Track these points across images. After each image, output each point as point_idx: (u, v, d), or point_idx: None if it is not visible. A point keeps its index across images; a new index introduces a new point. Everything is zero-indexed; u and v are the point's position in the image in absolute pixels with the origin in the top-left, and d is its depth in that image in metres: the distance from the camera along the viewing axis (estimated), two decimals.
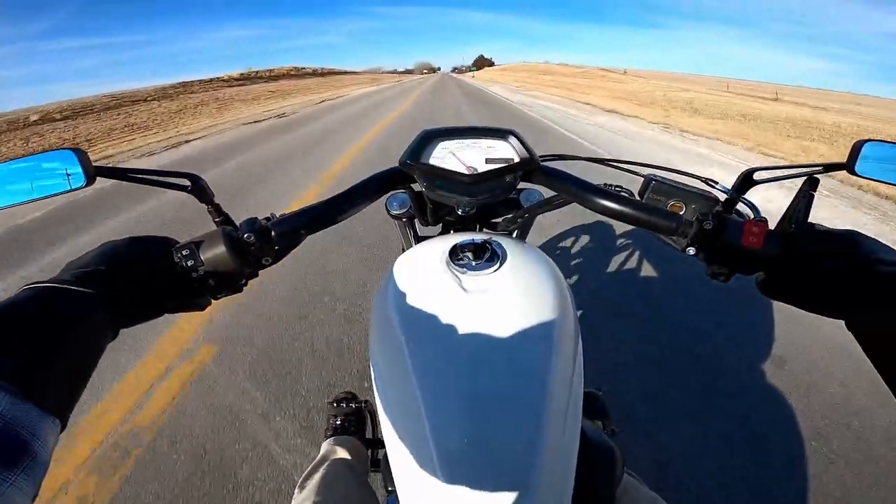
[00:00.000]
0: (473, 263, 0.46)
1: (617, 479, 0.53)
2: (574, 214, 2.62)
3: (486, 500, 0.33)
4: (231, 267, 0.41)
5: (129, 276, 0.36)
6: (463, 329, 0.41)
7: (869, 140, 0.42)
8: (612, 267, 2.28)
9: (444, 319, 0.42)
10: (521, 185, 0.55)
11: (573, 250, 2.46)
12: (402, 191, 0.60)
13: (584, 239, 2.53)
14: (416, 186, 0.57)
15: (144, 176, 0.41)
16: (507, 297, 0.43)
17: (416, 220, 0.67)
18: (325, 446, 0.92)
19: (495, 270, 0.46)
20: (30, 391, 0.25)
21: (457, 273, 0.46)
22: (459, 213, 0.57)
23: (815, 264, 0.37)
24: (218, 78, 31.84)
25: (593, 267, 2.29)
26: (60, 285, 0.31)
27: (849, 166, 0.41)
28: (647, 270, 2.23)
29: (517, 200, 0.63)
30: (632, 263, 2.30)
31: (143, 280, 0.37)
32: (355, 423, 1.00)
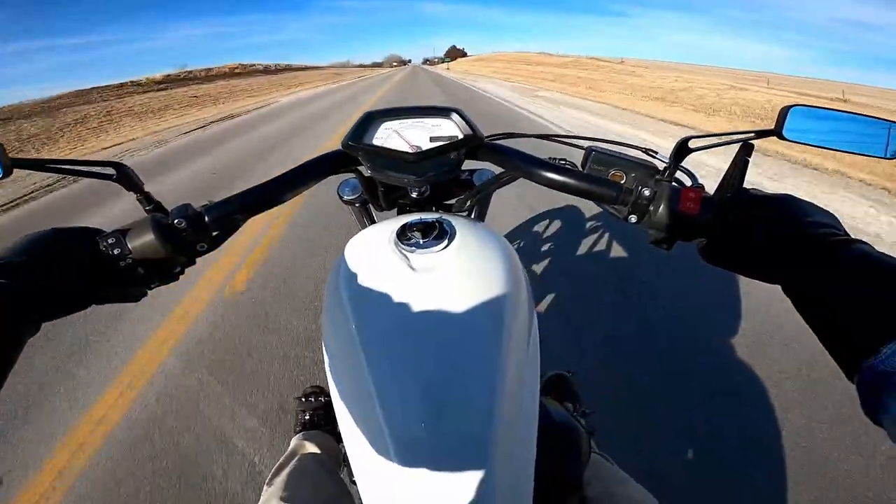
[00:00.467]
0: (421, 241, 0.46)
1: (584, 459, 0.53)
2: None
3: (444, 483, 0.33)
4: (162, 254, 0.41)
5: (49, 267, 0.35)
6: (412, 309, 0.40)
7: (795, 105, 0.42)
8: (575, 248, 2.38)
9: (393, 299, 0.41)
10: (474, 166, 0.56)
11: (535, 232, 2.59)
12: (353, 176, 0.60)
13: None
14: (368, 173, 0.56)
15: (65, 166, 0.40)
16: (457, 275, 0.43)
17: (371, 206, 0.66)
18: (293, 441, 0.90)
19: (444, 248, 0.45)
20: None
21: (405, 252, 0.45)
22: (413, 195, 0.57)
23: (751, 229, 0.38)
24: (133, 82, 24.88)
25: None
26: None
27: (777, 131, 0.42)
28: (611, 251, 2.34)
29: (470, 181, 0.63)
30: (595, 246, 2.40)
31: (64, 271, 0.36)
32: (324, 416, 0.99)
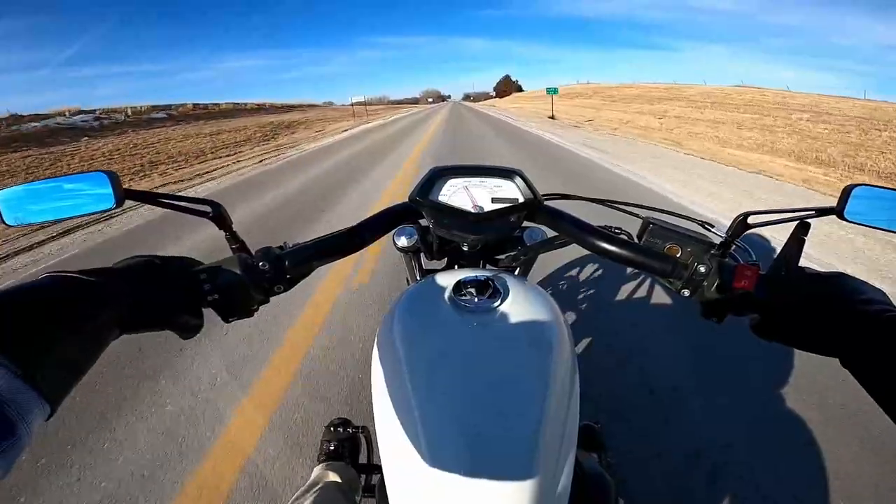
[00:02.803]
0: (476, 300, 0.48)
1: None
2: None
3: None
4: (244, 293, 0.44)
5: (146, 286, 0.38)
6: (463, 364, 0.43)
7: (860, 185, 0.43)
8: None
9: (446, 354, 0.44)
10: (525, 223, 0.58)
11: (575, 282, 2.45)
12: (410, 224, 0.63)
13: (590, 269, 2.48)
14: (424, 221, 0.60)
15: (170, 201, 0.44)
16: (507, 334, 0.46)
17: (423, 255, 0.69)
18: (316, 471, 0.91)
19: (496, 307, 0.48)
20: (29, 373, 0.25)
21: (460, 309, 0.48)
22: (464, 248, 0.60)
23: (805, 307, 0.39)
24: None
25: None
26: (77, 276, 0.33)
27: (838, 211, 0.43)
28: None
29: (520, 238, 0.66)
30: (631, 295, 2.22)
31: (157, 293, 0.39)
32: (349, 448, 1.00)
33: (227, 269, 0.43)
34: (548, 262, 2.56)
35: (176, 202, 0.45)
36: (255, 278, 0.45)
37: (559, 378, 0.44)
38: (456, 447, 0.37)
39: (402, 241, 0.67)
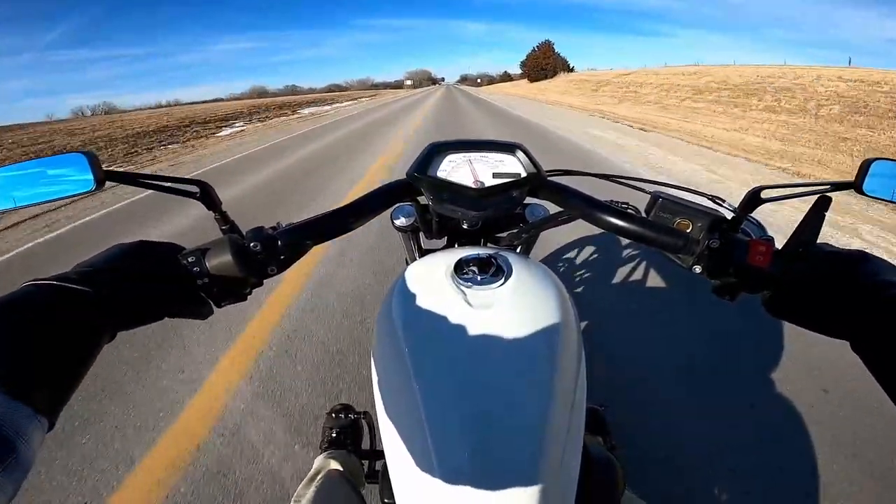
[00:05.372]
0: (479, 278, 0.47)
1: (618, 495, 0.53)
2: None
3: None
4: (236, 275, 0.42)
5: (132, 278, 0.37)
6: (467, 343, 0.42)
7: (877, 158, 0.42)
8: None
9: (449, 333, 0.43)
10: (527, 200, 0.57)
11: (578, 261, 2.44)
12: (409, 203, 0.61)
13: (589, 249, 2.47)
14: (423, 199, 0.58)
15: (154, 182, 0.42)
16: (512, 313, 0.44)
17: (421, 233, 0.68)
18: (319, 460, 0.92)
19: (500, 286, 0.47)
20: (19, 389, 0.25)
21: (462, 288, 0.47)
22: (465, 226, 0.58)
23: (821, 285, 0.37)
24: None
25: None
26: (61, 284, 0.32)
27: (857, 185, 0.41)
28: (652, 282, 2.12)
29: (522, 215, 0.64)
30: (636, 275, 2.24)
31: (146, 284, 0.38)
32: (350, 435, 1.00)
33: (217, 252, 0.42)
34: (547, 244, 2.55)
35: (160, 182, 0.42)
36: (247, 260, 0.43)
37: (566, 360, 0.43)
38: (461, 433, 0.37)
39: (401, 221, 0.66)
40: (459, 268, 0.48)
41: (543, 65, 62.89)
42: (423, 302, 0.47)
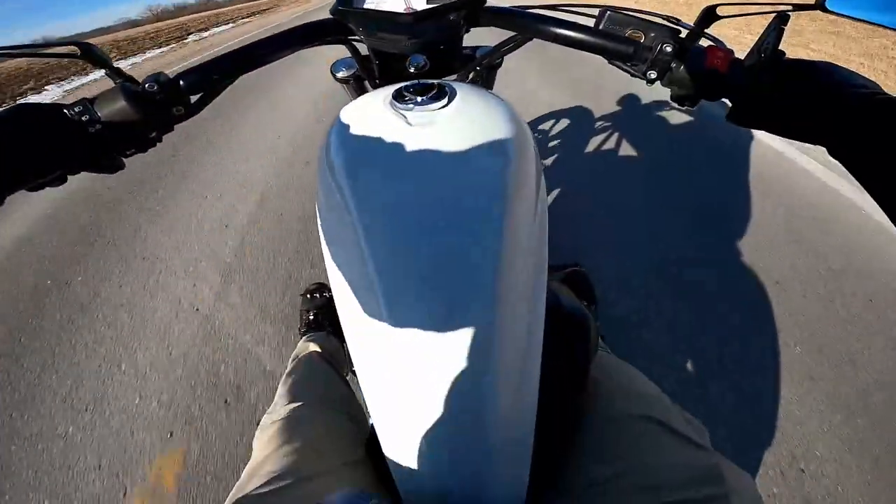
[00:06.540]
0: (419, 100, 0.44)
1: (592, 348, 0.52)
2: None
3: (446, 364, 0.33)
4: (134, 118, 0.40)
5: (13, 137, 0.35)
6: (409, 165, 0.39)
7: None
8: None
9: (389, 157, 0.40)
10: (479, 45, 0.55)
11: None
12: (349, 56, 0.59)
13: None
14: (364, 50, 0.55)
15: (26, 51, 0.40)
16: (457, 130, 0.41)
17: (367, 83, 0.64)
18: (300, 344, 0.96)
19: (443, 107, 0.44)
20: None
21: (402, 112, 0.43)
22: (411, 70, 0.54)
23: (788, 92, 0.37)
24: None
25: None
26: None
27: (820, 4, 0.39)
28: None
29: (472, 56, 0.61)
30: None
31: (30, 140, 0.36)
32: (329, 315, 1.03)
33: (108, 99, 0.40)
34: None
35: (34, 50, 0.40)
36: (144, 103, 0.41)
37: (521, 185, 0.40)
38: (411, 276, 0.35)
39: (342, 72, 0.64)
40: (399, 97, 0.45)
41: None
42: (360, 135, 0.44)
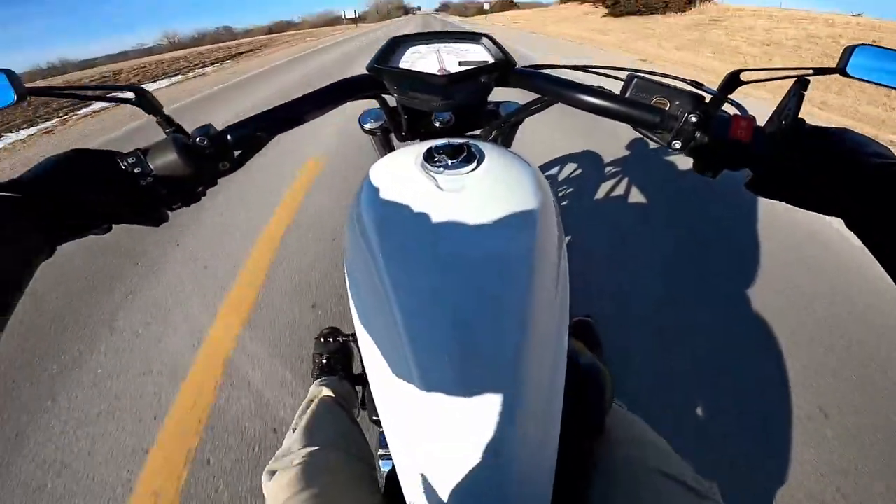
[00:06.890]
0: (449, 163, 0.45)
1: (606, 405, 0.53)
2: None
3: (469, 419, 0.33)
4: (184, 172, 0.41)
5: (67, 186, 0.35)
6: (439, 231, 0.40)
7: (861, 44, 0.41)
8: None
9: (419, 222, 0.41)
10: (502, 100, 0.56)
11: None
12: (376, 107, 0.60)
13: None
14: (391, 101, 0.56)
15: (83, 92, 0.39)
16: (486, 196, 0.43)
17: (393, 136, 0.66)
18: (312, 388, 0.95)
19: (472, 170, 0.45)
20: None
21: (432, 174, 0.45)
22: (437, 125, 0.57)
23: (807, 160, 0.37)
24: None
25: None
26: None
27: (840, 69, 0.40)
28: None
29: (497, 112, 0.63)
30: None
31: (82, 188, 0.35)
32: (341, 360, 1.02)
33: (161, 151, 0.40)
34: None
35: (91, 93, 0.40)
36: (194, 157, 0.41)
37: (545, 248, 0.41)
38: (437, 332, 0.36)
39: (370, 124, 0.65)
40: (430, 157, 0.46)
41: None
42: (391, 194, 0.45)
